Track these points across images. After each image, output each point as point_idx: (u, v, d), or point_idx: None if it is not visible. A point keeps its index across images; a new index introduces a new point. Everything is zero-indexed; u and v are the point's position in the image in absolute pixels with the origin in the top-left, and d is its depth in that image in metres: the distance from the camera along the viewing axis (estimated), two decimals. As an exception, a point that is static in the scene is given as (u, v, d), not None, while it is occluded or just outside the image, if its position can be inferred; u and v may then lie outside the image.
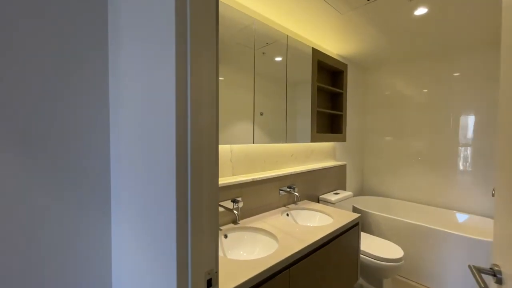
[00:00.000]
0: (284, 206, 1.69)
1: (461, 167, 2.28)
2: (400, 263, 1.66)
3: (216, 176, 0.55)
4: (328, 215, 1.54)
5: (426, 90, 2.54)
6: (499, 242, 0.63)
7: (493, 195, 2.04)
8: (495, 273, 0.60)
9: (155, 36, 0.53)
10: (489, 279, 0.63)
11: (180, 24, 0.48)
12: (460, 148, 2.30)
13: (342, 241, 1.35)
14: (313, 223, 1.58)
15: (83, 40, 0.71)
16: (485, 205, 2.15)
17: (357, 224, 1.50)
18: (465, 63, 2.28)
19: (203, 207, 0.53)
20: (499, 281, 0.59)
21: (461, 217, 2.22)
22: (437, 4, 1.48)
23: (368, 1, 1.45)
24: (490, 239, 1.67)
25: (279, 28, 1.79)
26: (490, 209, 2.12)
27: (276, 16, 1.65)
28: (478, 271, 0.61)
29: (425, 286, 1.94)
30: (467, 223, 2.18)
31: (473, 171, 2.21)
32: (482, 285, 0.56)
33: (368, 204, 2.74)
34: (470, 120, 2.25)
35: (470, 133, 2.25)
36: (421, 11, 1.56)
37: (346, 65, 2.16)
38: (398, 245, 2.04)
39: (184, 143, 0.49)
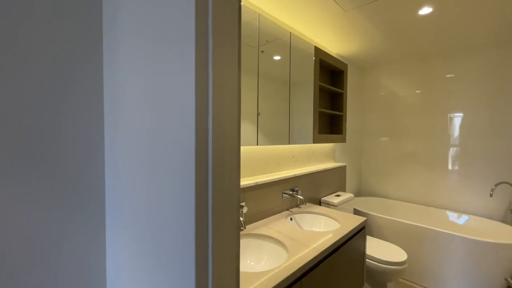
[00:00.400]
0: (288, 210, 1.63)
1: (456, 167, 2.29)
2: (405, 266, 1.63)
3: (237, 189, 0.48)
4: (334, 219, 1.49)
5: (419, 91, 2.55)
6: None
7: (491, 195, 2.06)
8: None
9: (168, 32, 0.45)
10: None
11: (200, 12, 0.40)
12: (454, 148, 2.31)
13: (349, 246, 1.30)
14: (319, 228, 1.53)
15: (73, 38, 0.61)
16: (482, 205, 2.16)
17: (363, 228, 1.46)
18: (460, 64, 2.29)
19: (224, 223, 0.46)
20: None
21: (460, 218, 2.24)
22: (443, 3, 1.46)
23: (375, -1, 1.41)
24: (491, 240, 1.67)
25: (282, 25, 1.73)
26: (487, 209, 2.14)
27: (279, 12, 1.58)
28: (519, 285, 0.57)
29: (427, 288, 1.94)
30: (467, 224, 2.19)
31: (468, 171, 2.23)
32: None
33: (367, 205, 2.72)
34: (463, 120, 2.27)
35: (463, 134, 2.26)
36: (426, 10, 1.54)
37: (346, 65, 2.13)
38: (400, 247, 2.02)
39: (204, 154, 0.42)
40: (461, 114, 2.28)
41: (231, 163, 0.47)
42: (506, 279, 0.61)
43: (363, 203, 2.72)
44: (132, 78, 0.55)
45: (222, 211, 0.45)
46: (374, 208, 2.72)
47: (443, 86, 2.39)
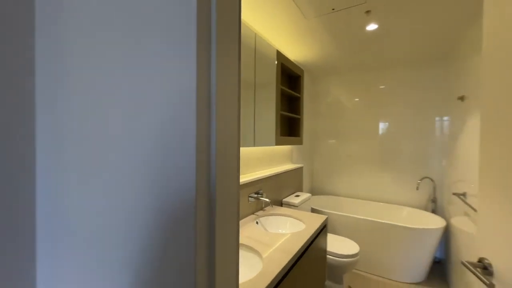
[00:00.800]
0: (253, 213, 1.60)
1: (389, 166, 2.67)
2: (357, 257, 1.78)
3: (237, 197, 0.42)
4: (299, 220, 1.52)
5: (357, 99, 2.88)
6: (484, 235, 0.70)
7: (417, 188, 2.45)
8: (486, 266, 0.66)
9: (160, 28, 0.36)
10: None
11: (201, 11, 0.33)
12: (386, 150, 2.70)
13: (315, 245, 1.34)
14: (286, 229, 1.54)
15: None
16: (411, 198, 2.55)
17: (325, 226, 1.53)
18: (390, 77, 2.68)
19: (226, 232, 0.39)
20: (490, 274, 0.65)
21: (396, 209, 2.59)
22: (387, 23, 1.66)
23: (333, 10, 1.51)
24: (423, 226, 1.98)
25: (248, 26, 1.70)
26: (415, 200, 2.53)
27: (244, 12, 1.55)
28: (474, 267, 0.66)
29: (377, 275, 2.16)
30: (402, 215, 2.54)
31: (399, 169, 2.62)
32: (487, 282, 0.60)
33: (320, 203, 2.91)
34: (390, 125, 2.68)
35: (392, 137, 2.67)
36: (372, 27, 1.73)
37: (303, 71, 2.24)
38: (352, 240, 2.21)
39: (206, 159, 0.35)
40: (389, 120, 2.68)
41: (232, 172, 0.41)
42: (462, 263, 0.69)
43: (317, 202, 2.89)
44: (95, 83, 0.43)
45: (224, 220, 0.39)
46: (325, 205, 2.92)
47: (376, 95, 2.76)
